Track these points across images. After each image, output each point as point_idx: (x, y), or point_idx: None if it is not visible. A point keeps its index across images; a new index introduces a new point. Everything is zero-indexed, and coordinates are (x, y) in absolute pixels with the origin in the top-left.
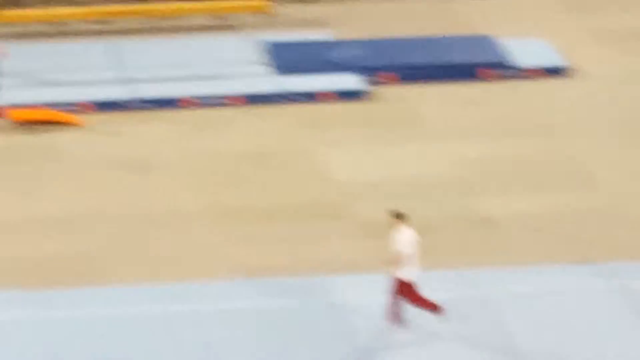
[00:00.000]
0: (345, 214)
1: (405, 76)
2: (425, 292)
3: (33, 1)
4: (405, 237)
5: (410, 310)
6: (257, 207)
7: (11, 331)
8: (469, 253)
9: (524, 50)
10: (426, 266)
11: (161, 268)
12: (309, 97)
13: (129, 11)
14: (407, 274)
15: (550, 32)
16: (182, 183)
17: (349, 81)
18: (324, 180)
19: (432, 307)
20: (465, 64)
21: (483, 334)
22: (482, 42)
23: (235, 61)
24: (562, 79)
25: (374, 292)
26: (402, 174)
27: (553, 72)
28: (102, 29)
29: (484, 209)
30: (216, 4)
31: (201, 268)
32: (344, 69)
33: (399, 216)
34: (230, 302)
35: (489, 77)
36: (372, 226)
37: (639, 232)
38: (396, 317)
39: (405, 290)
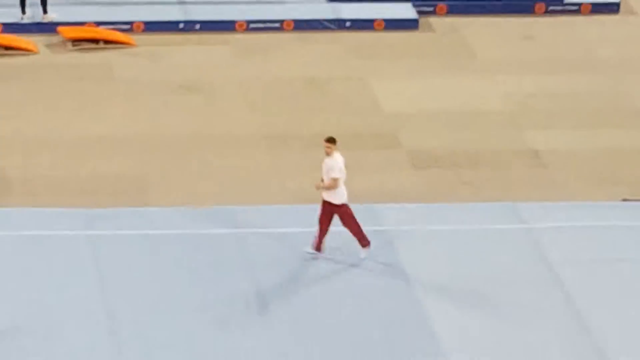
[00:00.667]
0: (395, 144)
1: (460, 8)
2: (466, 224)
3: None
4: (339, 163)
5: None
6: (306, 134)
7: (62, 247)
8: (515, 186)
9: None
10: (472, 198)
11: (209, 191)
12: (362, 25)
13: None
14: (343, 198)
15: None
16: (234, 107)
17: (403, 10)
18: (374, 109)
19: (364, 238)
20: None
21: (524, 264)
22: None
23: None
24: (617, 15)
25: (421, 220)
26: (452, 105)
27: (608, 8)
28: None
29: (533, 144)
30: None
31: (250, 193)
32: None
33: (331, 140)
34: (278, 227)
35: (544, 11)
36: (421, 156)
37: None
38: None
39: (344, 214)
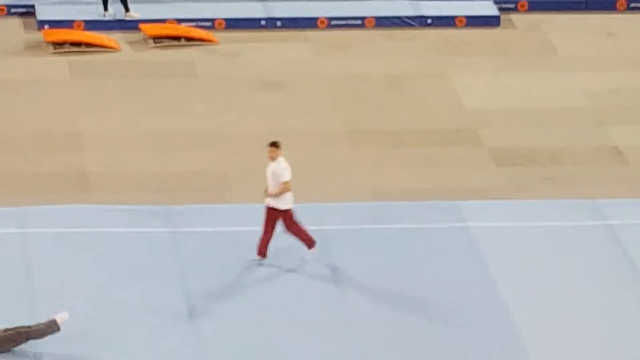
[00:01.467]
0: (476, 141)
1: (541, 4)
2: (548, 220)
3: None
4: (286, 166)
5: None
6: (387, 131)
7: (138, 244)
8: (597, 183)
9: None
10: (554, 195)
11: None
12: (444, 21)
13: None
14: (289, 203)
15: None
16: (315, 104)
17: (484, 7)
18: (455, 106)
19: (309, 239)
20: None
21: (606, 261)
22: None
23: None
24: None
25: (503, 217)
26: (533, 102)
27: None
28: None
29: (614, 140)
30: None
31: (330, 189)
32: None
33: (275, 145)
34: (357, 224)
35: (625, 7)
36: (502, 153)
37: None
38: (263, 249)
39: (289, 219)
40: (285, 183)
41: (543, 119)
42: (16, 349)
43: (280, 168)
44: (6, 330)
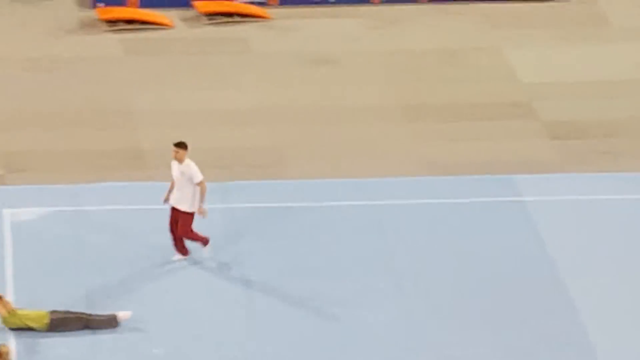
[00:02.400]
0: (530, 114)
1: None
2: (605, 194)
3: None
4: (196, 166)
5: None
6: (441, 105)
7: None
8: None
9: None
10: (610, 168)
11: (344, 162)
12: None
13: None
14: (194, 206)
15: None
16: (368, 79)
17: None
18: (509, 79)
19: (204, 239)
20: None
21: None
22: None
23: None
24: None
25: (558, 191)
26: (587, 74)
27: None
28: None
29: None
30: None
31: (384, 163)
32: None
33: (181, 145)
34: (411, 198)
35: None
36: (557, 126)
37: None
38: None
39: (188, 223)
40: (201, 182)
41: (598, 91)
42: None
43: (192, 170)
44: (67, 312)
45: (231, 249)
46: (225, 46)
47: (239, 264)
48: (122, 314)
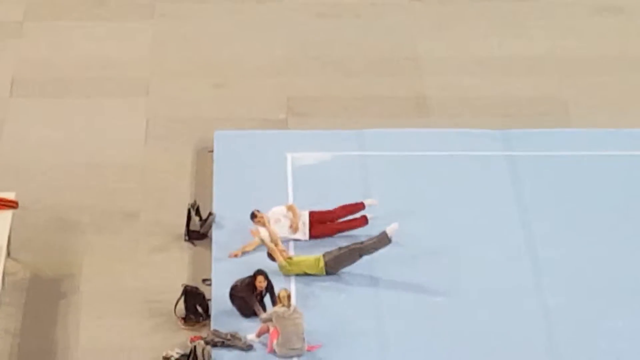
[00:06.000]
0: None
1: None
2: None
3: None
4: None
5: None
6: None
7: (475, 167)
8: None
9: None
10: None
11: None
12: None
13: None
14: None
15: None
16: None
17: None
18: None
19: None
20: None
21: None
22: None
23: None
24: None
25: None
26: None
27: None
28: None
29: None
30: None
31: None
32: None
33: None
34: None
35: None
36: None
37: None
38: None
39: None
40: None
41: None
42: (351, 275)
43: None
44: (339, 249)
45: (510, 196)
46: None
47: (521, 212)
48: (390, 228)
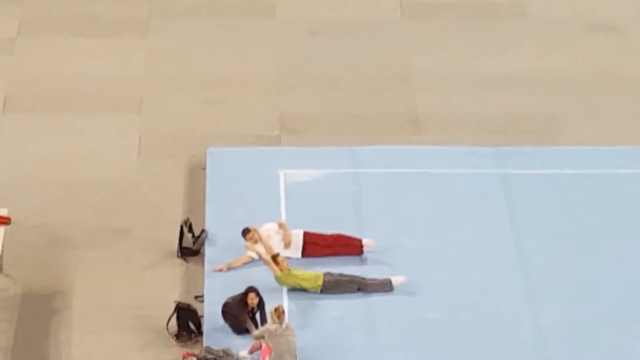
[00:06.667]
0: None
1: None
2: None
3: None
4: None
5: None
6: None
7: (468, 185)
8: None
9: None
10: None
11: (618, 130)
12: None
13: None
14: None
15: None
16: None
17: None
18: None
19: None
20: None
21: None
22: None
23: None
24: None
25: None
26: None
27: None
28: None
29: None
30: None
31: None
32: None
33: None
34: None
35: None
36: None
37: None
38: None
39: None
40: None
41: None
42: (344, 295)
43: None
44: (341, 275)
45: (503, 213)
46: (499, 12)
47: (514, 229)
48: (396, 279)
